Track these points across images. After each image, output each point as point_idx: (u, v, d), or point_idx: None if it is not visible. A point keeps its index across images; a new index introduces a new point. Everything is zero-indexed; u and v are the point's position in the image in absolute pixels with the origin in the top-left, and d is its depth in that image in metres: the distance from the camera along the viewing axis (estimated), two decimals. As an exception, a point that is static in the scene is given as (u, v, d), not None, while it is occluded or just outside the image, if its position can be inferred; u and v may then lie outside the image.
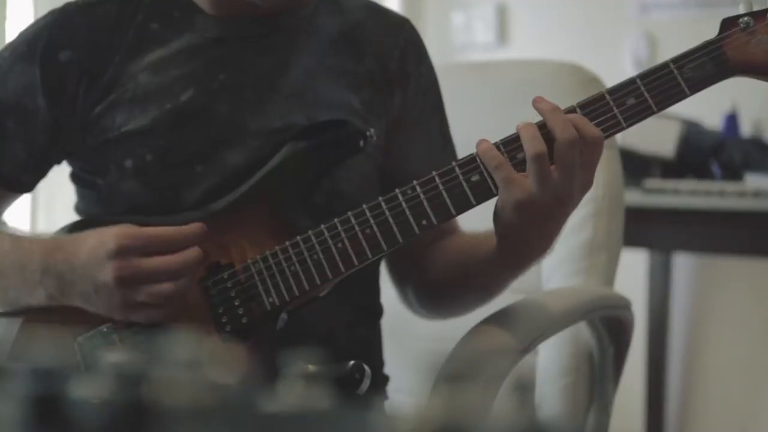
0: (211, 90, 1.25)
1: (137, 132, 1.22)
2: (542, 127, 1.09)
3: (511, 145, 1.12)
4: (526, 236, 1.13)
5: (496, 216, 1.13)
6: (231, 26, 1.27)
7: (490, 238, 1.18)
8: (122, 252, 1.09)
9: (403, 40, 1.35)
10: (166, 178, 1.23)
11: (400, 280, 1.39)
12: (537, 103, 1.10)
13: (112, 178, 1.24)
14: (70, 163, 1.31)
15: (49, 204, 2.72)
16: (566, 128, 1.07)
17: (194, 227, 1.13)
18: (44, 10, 1.31)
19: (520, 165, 1.11)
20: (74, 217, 1.31)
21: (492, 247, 1.18)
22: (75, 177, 1.32)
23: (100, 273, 1.10)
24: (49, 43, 1.25)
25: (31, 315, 1.19)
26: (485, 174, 1.13)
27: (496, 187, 1.13)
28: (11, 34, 1.32)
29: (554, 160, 1.07)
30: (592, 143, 1.07)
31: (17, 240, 1.20)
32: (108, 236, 1.10)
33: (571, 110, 1.11)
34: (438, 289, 1.35)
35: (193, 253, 1.11)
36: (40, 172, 1.30)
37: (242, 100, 1.25)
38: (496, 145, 1.13)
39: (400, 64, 1.33)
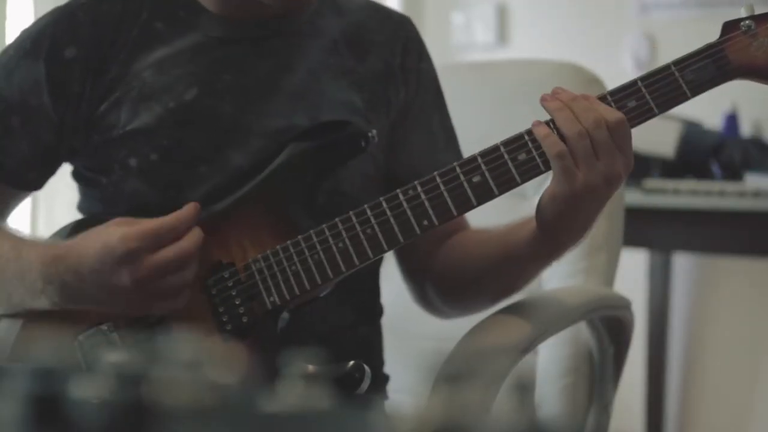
0: (215, 90, 1.25)
1: (142, 130, 1.23)
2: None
3: (511, 145, 1.13)
4: (572, 222, 1.13)
5: (545, 205, 1.12)
6: (235, 27, 1.27)
7: (523, 229, 1.18)
8: (132, 254, 1.09)
9: (404, 37, 1.35)
10: (169, 177, 1.23)
11: (417, 279, 1.37)
12: (544, 102, 1.11)
13: (116, 177, 1.24)
14: (74, 161, 1.31)
15: (50, 204, 2.72)
16: (574, 124, 1.09)
17: (189, 209, 1.14)
18: (44, 10, 1.31)
19: (520, 167, 1.12)
20: (76, 216, 1.31)
21: (526, 237, 1.18)
22: (78, 175, 1.32)
23: (114, 278, 1.10)
24: (54, 40, 1.25)
25: (31, 315, 1.19)
26: (486, 175, 1.13)
27: (497, 188, 1.13)
28: (11, 34, 1.32)
29: (594, 149, 1.09)
30: (613, 126, 1.09)
31: (15, 246, 1.20)
32: (113, 240, 1.10)
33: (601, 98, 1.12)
34: (463, 284, 1.32)
35: (195, 234, 1.13)
36: (48, 170, 1.30)
37: (246, 101, 1.25)
38: (497, 146, 1.13)
39: (401, 60, 1.33)
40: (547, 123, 1.11)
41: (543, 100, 1.11)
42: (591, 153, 1.08)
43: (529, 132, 1.13)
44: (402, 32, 1.35)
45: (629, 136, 1.11)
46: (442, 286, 1.34)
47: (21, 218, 2.74)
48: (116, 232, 1.11)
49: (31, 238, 1.24)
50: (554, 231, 1.14)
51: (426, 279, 1.35)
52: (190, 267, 1.12)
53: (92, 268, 1.11)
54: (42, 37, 1.26)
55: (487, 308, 1.31)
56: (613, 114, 1.09)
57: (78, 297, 1.14)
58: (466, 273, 1.30)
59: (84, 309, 1.15)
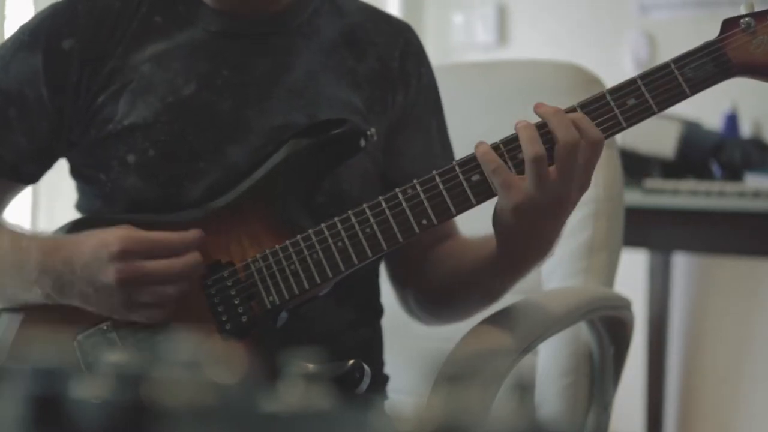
0: (214, 86, 1.25)
1: (139, 125, 1.23)
2: (541, 127, 1.09)
3: (511, 143, 1.12)
4: (525, 239, 1.12)
5: (496, 219, 1.13)
6: (234, 23, 1.28)
7: (491, 242, 1.17)
8: (125, 254, 1.10)
9: (403, 42, 1.35)
10: (168, 173, 1.23)
11: (401, 285, 1.38)
12: (538, 109, 1.09)
13: (115, 174, 1.24)
14: (73, 158, 1.31)
15: (51, 203, 2.72)
16: (569, 130, 1.07)
17: (194, 233, 1.15)
18: (44, 9, 1.32)
19: (520, 165, 1.11)
20: (76, 216, 1.31)
21: (493, 251, 1.18)
22: (77, 173, 1.32)
23: (101, 274, 1.10)
24: (52, 31, 1.26)
25: (30, 313, 1.19)
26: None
27: None
28: (11, 34, 1.32)
29: (554, 162, 1.07)
30: (593, 144, 1.07)
31: (16, 238, 1.21)
32: (111, 238, 1.11)
33: (571, 110, 1.11)
34: (439, 294, 1.33)
35: (194, 257, 1.13)
36: (44, 163, 1.30)
37: (245, 97, 1.25)
38: (497, 145, 1.13)
39: (400, 64, 1.33)
40: (536, 125, 1.10)
41: (537, 107, 1.10)
42: (573, 166, 1.07)
43: None
44: (401, 37, 1.36)
45: (598, 156, 1.09)
46: (422, 294, 1.35)
47: (22, 217, 2.74)
48: (116, 232, 1.12)
49: (32, 233, 1.25)
50: (513, 245, 1.14)
51: (408, 285, 1.37)
52: (178, 285, 1.12)
53: (84, 262, 1.12)
54: (40, 29, 1.27)
55: (462, 320, 1.32)
56: (596, 133, 1.08)
57: (68, 291, 1.14)
58: (444, 282, 1.31)
59: (78, 308, 1.15)
